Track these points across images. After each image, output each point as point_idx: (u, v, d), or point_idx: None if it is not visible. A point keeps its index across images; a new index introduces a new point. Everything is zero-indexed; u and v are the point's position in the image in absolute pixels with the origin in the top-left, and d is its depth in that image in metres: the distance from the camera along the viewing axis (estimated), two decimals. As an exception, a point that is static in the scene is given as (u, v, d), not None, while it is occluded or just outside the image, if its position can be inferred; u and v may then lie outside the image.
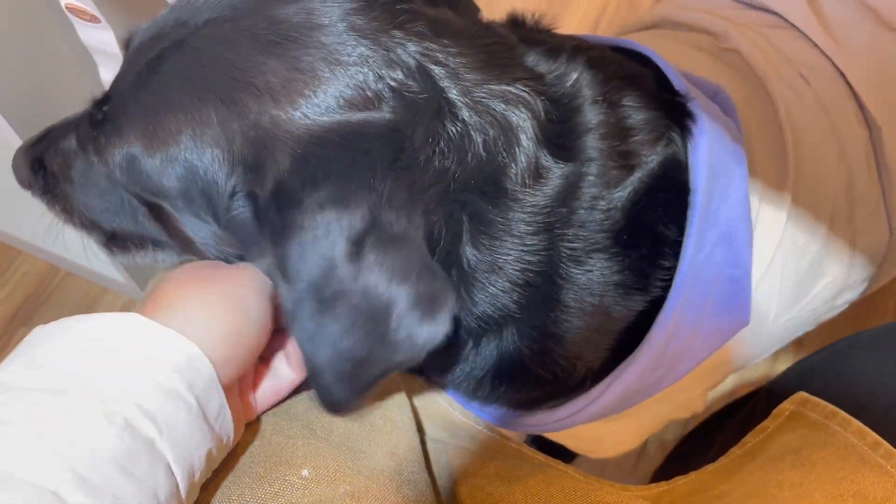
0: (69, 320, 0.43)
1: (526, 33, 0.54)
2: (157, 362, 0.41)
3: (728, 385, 1.17)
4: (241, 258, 0.51)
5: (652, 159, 0.53)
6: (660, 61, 0.57)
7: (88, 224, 0.55)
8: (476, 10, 0.54)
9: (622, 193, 0.51)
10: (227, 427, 0.44)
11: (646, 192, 0.52)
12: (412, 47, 0.45)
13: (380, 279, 0.41)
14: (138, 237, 0.55)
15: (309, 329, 0.42)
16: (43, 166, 0.55)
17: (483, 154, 0.45)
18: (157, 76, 0.45)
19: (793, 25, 0.72)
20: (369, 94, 0.43)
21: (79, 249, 0.59)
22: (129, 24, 0.65)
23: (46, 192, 0.56)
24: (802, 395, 0.61)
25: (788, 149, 0.62)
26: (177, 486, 0.40)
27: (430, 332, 0.42)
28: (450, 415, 0.66)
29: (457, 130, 0.45)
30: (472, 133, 0.45)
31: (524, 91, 0.47)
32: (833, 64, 0.69)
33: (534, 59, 0.50)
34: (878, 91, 0.68)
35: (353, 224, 0.41)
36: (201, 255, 0.52)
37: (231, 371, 0.45)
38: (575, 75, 0.50)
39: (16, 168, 0.56)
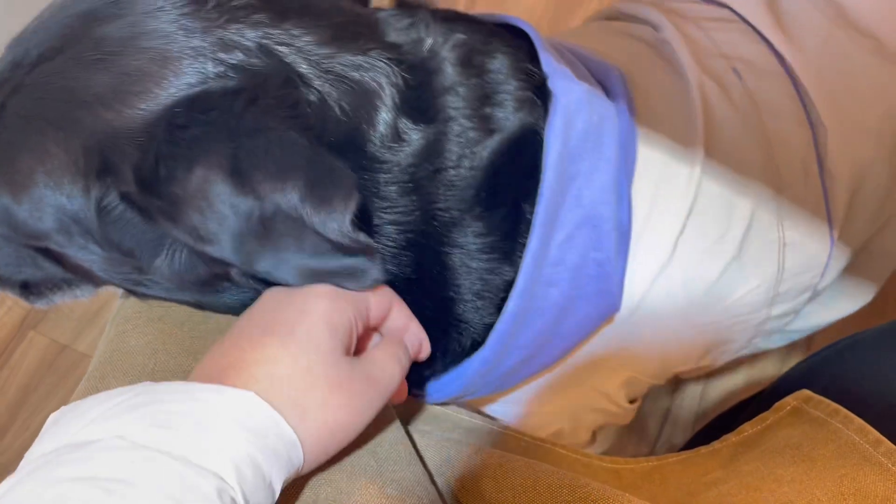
0: (191, 387, 0.42)
1: (404, 10, 0.54)
2: (261, 445, 0.41)
3: (738, 385, 1.15)
4: (139, 278, 0.51)
5: (512, 125, 0.53)
6: (534, 36, 0.57)
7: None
8: None
9: (483, 153, 0.51)
10: None
11: (505, 159, 0.52)
12: (250, 34, 0.46)
13: (274, 189, 0.42)
14: (48, 280, 0.55)
15: (269, 264, 0.44)
16: None
17: (343, 119, 0.47)
18: (2, 124, 0.46)
19: (744, 20, 0.71)
20: (210, 76, 0.44)
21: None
22: None
23: None
24: (805, 392, 0.61)
25: (697, 141, 0.60)
26: None
27: (333, 219, 0.42)
28: (430, 408, 0.65)
29: (313, 98, 0.46)
30: (329, 101, 0.46)
31: (379, 60, 0.48)
32: (782, 62, 0.67)
33: (394, 32, 0.51)
34: (828, 90, 0.65)
35: (223, 165, 0.42)
36: (109, 284, 0.54)
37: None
38: (431, 41, 0.51)
39: None
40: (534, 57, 0.56)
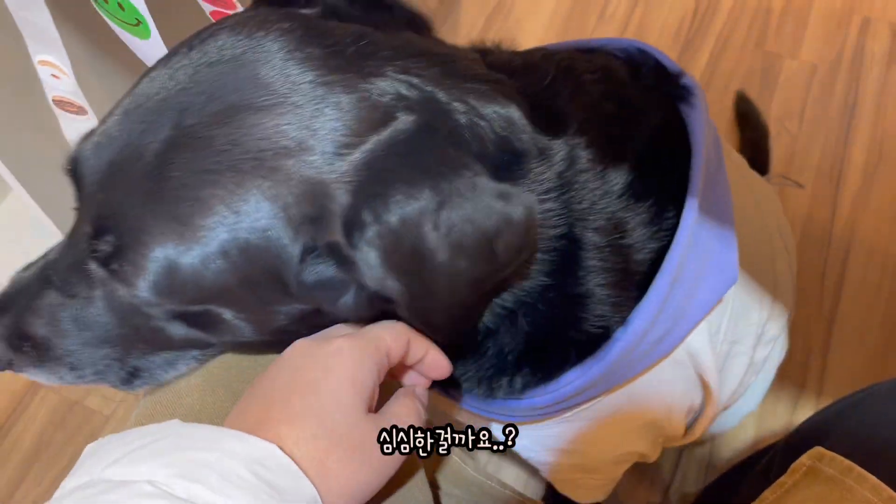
0: (217, 434, 0.43)
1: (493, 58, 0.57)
2: (279, 500, 0.41)
3: (749, 436, 1.14)
4: (319, 322, 0.51)
5: (650, 120, 0.58)
6: (648, 48, 0.63)
7: (103, 370, 0.53)
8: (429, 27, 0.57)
9: (623, 158, 0.55)
10: None
11: (647, 152, 0.56)
12: (389, 71, 0.46)
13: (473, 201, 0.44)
14: (166, 357, 0.54)
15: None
16: (24, 337, 0.51)
17: (493, 136, 0.48)
18: (168, 181, 0.43)
19: None
20: (378, 115, 0.45)
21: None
22: None
23: (42, 362, 0.52)
24: (819, 450, 0.61)
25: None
26: None
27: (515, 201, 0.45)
28: (462, 471, 0.65)
29: (464, 122, 0.47)
30: (477, 122, 0.48)
31: (502, 87, 0.50)
32: None
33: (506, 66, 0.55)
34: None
35: (429, 207, 0.43)
36: (232, 349, 0.54)
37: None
38: (551, 72, 0.55)
39: None
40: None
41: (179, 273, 0.44)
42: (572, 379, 0.57)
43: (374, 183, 0.43)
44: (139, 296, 0.46)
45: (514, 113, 0.49)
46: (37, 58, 0.64)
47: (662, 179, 0.57)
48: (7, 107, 0.92)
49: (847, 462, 0.57)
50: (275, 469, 0.41)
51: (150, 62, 0.60)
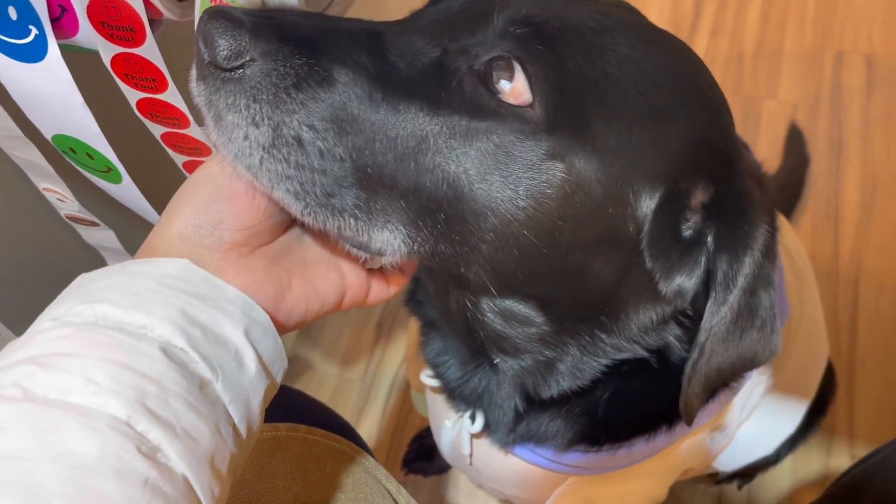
0: (123, 264, 0.41)
1: None
2: (198, 300, 0.39)
3: (786, 483, 1.11)
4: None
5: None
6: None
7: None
8: None
9: None
10: (281, 370, 0.44)
11: None
12: None
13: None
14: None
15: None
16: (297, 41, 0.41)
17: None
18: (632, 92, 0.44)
19: None
20: None
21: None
22: (124, 223, 0.69)
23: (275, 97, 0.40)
24: None
25: None
26: (235, 426, 0.39)
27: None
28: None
29: None
30: None
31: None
32: None
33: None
34: None
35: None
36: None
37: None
38: None
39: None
40: None
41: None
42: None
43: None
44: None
45: None
46: (41, 186, 0.66)
47: None
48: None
49: None
50: (192, 281, 0.40)
51: (126, 204, 0.61)
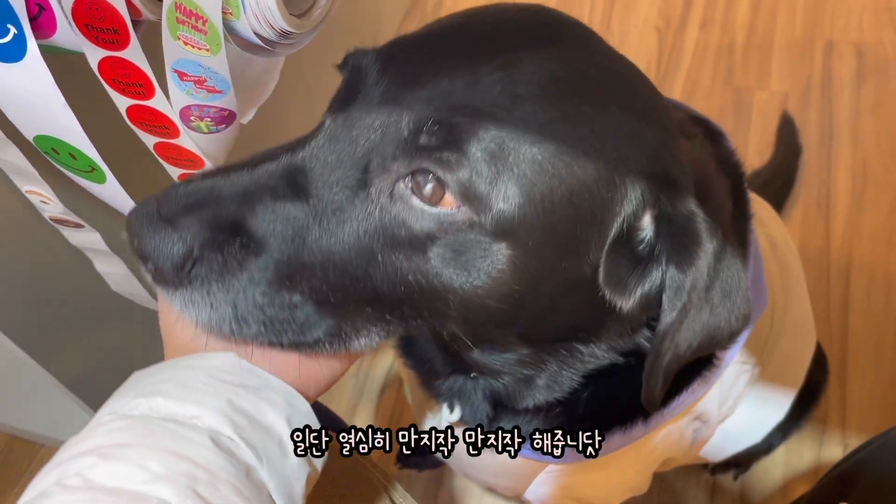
0: (174, 360, 0.44)
1: None
2: (243, 391, 0.42)
3: (778, 474, 1.11)
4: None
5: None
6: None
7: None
8: None
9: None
10: (321, 460, 0.46)
11: None
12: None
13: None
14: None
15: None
16: (235, 231, 0.43)
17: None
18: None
19: None
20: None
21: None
22: (110, 224, 0.69)
23: (225, 279, 0.44)
24: None
25: None
26: None
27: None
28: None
29: None
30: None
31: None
32: None
33: None
34: None
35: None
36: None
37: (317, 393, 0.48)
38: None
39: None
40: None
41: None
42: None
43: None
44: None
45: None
46: (23, 188, 0.65)
47: None
48: None
49: None
50: (238, 373, 0.43)
51: (112, 203, 0.61)
